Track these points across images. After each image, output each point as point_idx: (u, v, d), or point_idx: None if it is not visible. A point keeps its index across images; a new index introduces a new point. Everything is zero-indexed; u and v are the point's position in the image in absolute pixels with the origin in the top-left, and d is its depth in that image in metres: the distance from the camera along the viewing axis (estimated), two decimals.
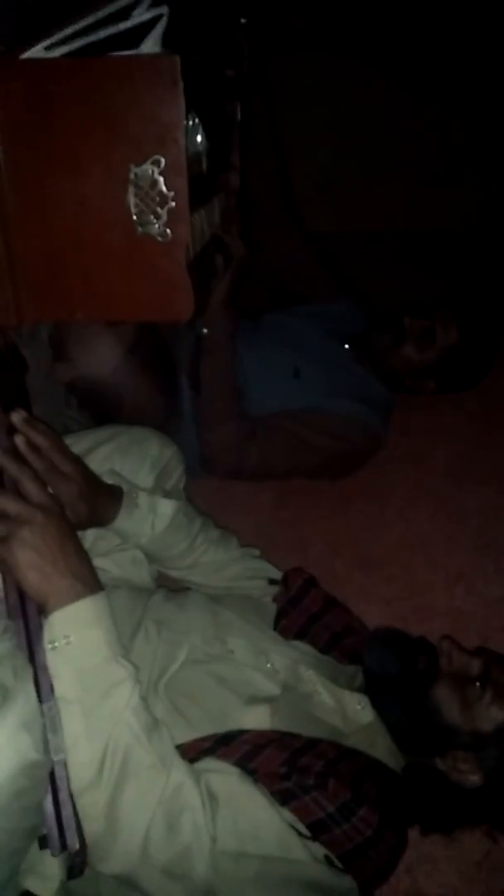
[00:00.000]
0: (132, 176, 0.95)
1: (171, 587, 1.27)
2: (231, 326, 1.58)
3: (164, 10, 0.91)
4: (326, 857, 0.87)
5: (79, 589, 0.86)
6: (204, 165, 1.10)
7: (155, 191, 0.96)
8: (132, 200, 0.97)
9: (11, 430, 0.93)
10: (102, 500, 1.05)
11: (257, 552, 1.33)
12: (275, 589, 1.25)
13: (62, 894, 0.89)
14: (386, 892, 1.17)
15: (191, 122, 0.99)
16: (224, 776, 0.88)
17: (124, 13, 0.92)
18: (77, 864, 0.86)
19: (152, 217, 0.98)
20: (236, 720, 0.97)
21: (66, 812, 0.82)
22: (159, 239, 0.99)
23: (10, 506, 0.86)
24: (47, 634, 0.84)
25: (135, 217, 0.98)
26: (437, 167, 2.89)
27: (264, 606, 1.22)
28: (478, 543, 1.80)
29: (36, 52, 0.91)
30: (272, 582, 1.27)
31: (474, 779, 1.04)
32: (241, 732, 0.95)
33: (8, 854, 0.81)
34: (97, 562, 1.11)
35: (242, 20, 1.35)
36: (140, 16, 0.92)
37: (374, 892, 0.96)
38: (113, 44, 0.92)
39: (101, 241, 1.00)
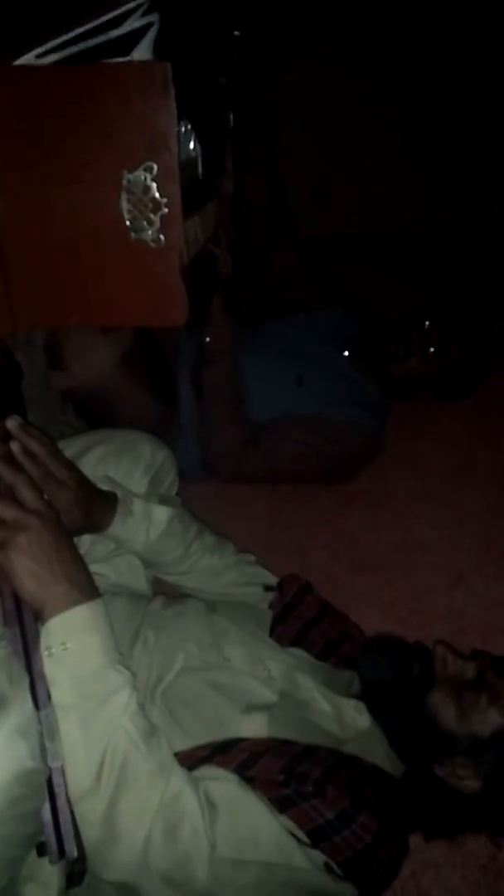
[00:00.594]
0: (125, 182, 0.96)
1: (169, 594, 1.27)
2: (232, 334, 1.60)
3: (154, 17, 0.92)
4: (326, 864, 0.87)
5: (75, 595, 0.85)
6: (198, 171, 1.11)
7: (148, 197, 0.97)
8: (125, 206, 0.97)
9: (7, 436, 0.92)
10: (97, 507, 1.05)
11: (253, 558, 1.33)
12: (271, 595, 1.25)
13: None
14: None
15: (183, 129, 0.99)
16: (222, 783, 0.88)
17: (117, 22, 0.92)
18: (76, 872, 0.85)
19: (145, 223, 0.98)
20: (233, 728, 0.97)
21: (65, 819, 0.81)
22: (153, 245, 1.00)
23: (6, 512, 0.86)
24: (44, 641, 0.84)
25: (128, 223, 0.98)
26: (432, 172, 2.91)
27: (260, 613, 1.22)
28: (478, 546, 1.80)
29: (27, 59, 0.92)
30: (268, 588, 1.27)
31: (473, 784, 1.04)
32: (239, 741, 0.94)
33: (5, 862, 0.81)
34: (94, 567, 1.11)
35: (236, 33, 1.35)
36: (131, 24, 0.92)
37: None
38: (104, 51, 0.93)
39: (94, 247, 1.01)
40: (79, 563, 0.89)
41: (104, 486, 1.10)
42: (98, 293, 1.05)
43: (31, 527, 0.85)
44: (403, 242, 2.87)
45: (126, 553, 1.19)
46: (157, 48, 0.93)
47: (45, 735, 0.81)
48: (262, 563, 1.33)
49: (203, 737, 0.95)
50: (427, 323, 1.87)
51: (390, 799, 0.98)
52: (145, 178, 0.96)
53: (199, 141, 1.07)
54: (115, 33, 0.91)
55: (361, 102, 2.77)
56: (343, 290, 2.11)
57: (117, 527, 1.08)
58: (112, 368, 1.48)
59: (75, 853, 0.81)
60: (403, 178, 2.89)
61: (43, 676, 0.84)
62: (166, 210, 0.97)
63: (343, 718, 1.06)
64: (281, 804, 0.87)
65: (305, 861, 0.85)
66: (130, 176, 0.96)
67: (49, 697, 0.83)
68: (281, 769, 0.91)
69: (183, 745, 0.92)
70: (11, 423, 0.93)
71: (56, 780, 0.81)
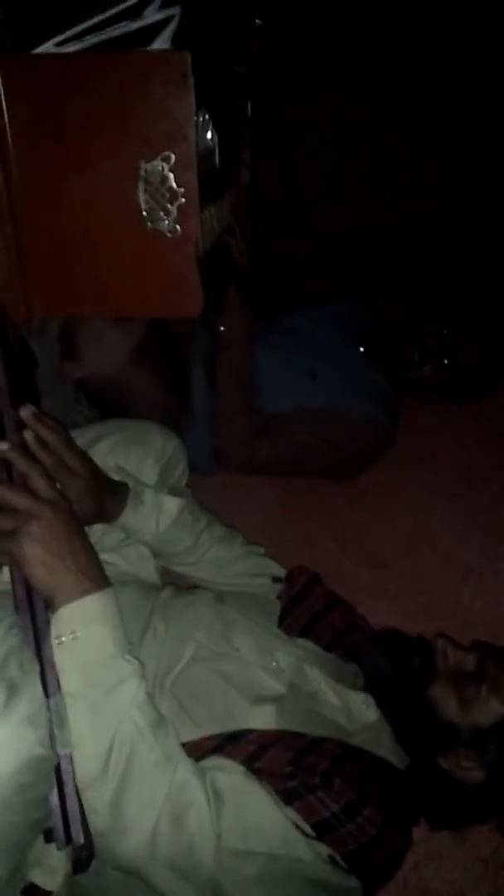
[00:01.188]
0: (142, 172, 0.96)
1: (178, 584, 1.27)
2: (248, 323, 1.59)
3: (176, 10, 0.91)
4: (330, 856, 0.87)
5: (86, 585, 0.86)
6: (215, 161, 1.10)
7: (165, 187, 0.96)
8: (142, 196, 0.97)
9: (20, 425, 0.93)
10: (109, 497, 1.05)
11: (262, 550, 1.33)
12: (279, 586, 1.25)
13: (68, 887, 0.90)
14: (393, 890, 1.17)
15: (201, 119, 0.99)
16: (229, 774, 0.88)
17: (136, 10, 0.92)
18: (83, 859, 0.86)
19: (162, 213, 0.98)
20: (242, 719, 0.97)
21: (72, 806, 0.82)
22: (169, 235, 0.99)
23: (19, 501, 0.86)
24: (54, 629, 0.85)
25: (144, 213, 0.98)
26: (450, 164, 2.88)
27: (269, 604, 1.22)
28: (487, 541, 1.80)
29: (47, 48, 0.91)
30: (276, 580, 1.27)
31: (477, 775, 1.04)
32: (248, 732, 0.95)
33: (13, 846, 0.82)
34: (105, 556, 1.12)
35: (257, 21, 1.34)
36: (152, 15, 0.92)
37: (380, 890, 0.96)
38: (124, 43, 0.93)
39: (110, 236, 1.01)
40: (90, 552, 0.89)
41: (115, 476, 1.10)
42: (113, 283, 1.05)
43: (43, 516, 0.85)
44: (419, 235, 2.85)
45: (136, 543, 1.19)
46: (176, 38, 0.93)
47: (54, 723, 0.81)
48: (268, 555, 1.34)
49: (212, 727, 0.95)
50: (445, 331, 1.86)
51: (396, 792, 0.98)
52: (163, 168, 0.95)
53: (216, 131, 1.06)
54: (135, 25, 0.91)
55: (379, 93, 2.74)
56: (357, 281, 2.10)
57: (128, 517, 1.09)
58: (125, 359, 1.48)
59: (82, 840, 0.82)
60: (421, 169, 2.87)
61: (53, 664, 0.84)
62: (183, 200, 0.97)
63: (350, 711, 1.06)
64: (287, 796, 0.88)
65: (310, 853, 0.86)
66: (148, 166, 0.95)
67: (58, 686, 0.84)
68: (289, 761, 0.91)
69: (191, 735, 0.93)
70: (25, 412, 0.93)
71: (64, 767, 0.82)
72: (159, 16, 0.91)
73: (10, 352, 0.96)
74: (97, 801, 0.82)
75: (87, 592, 0.85)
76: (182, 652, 1.04)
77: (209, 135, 1.05)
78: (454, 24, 2.67)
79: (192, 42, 0.92)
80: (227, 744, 0.92)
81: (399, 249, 2.76)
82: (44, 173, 0.98)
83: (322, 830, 0.87)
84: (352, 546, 1.78)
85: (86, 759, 0.82)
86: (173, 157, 0.95)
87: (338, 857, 0.87)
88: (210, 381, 1.67)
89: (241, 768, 0.89)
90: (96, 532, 1.14)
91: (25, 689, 0.79)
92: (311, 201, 2.15)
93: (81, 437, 1.16)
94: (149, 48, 0.91)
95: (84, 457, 1.01)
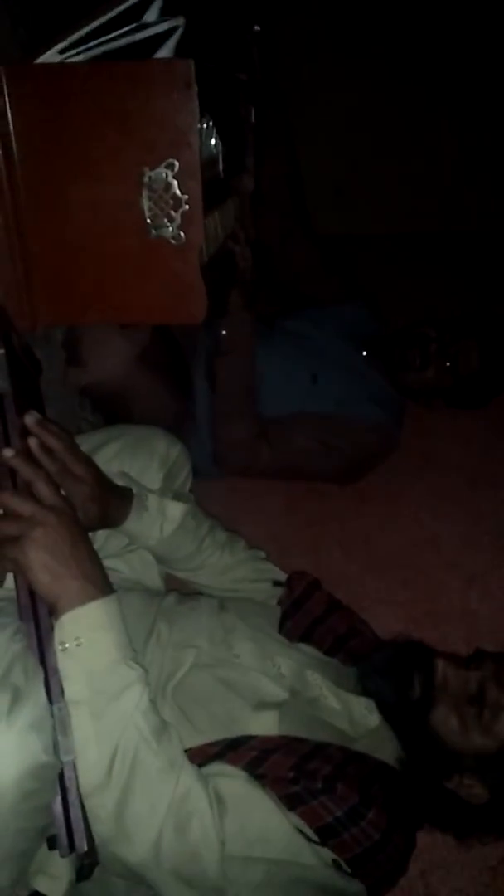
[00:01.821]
0: (146, 179, 0.96)
1: (182, 591, 1.27)
2: (250, 329, 1.60)
3: (180, 21, 0.92)
4: (334, 861, 0.87)
5: (90, 591, 0.86)
6: (219, 168, 1.10)
7: (169, 194, 0.96)
8: (146, 204, 0.97)
9: (25, 432, 0.93)
10: (113, 503, 1.06)
11: (263, 554, 1.33)
12: (279, 591, 1.25)
13: (71, 895, 0.90)
14: None
15: (205, 126, 0.99)
16: (232, 780, 0.88)
17: (136, 13, 0.92)
18: (86, 867, 0.86)
19: (166, 220, 0.98)
20: (244, 726, 0.97)
21: (75, 813, 0.82)
22: (173, 242, 1.00)
23: (24, 507, 0.86)
24: (58, 636, 0.85)
25: (148, 220, 0.98)
26: (455, 170, 2.88)
27: (269, 609, 1.22)
28: (493, 545, 1.79)
29: (51, 55, 0.92)
30: (277, 584, 1.27)
31: (482, 795, 1.04)
32: (250, 738, 0.95)
33: (17, 854, 0.82)
34: (109, 562, 1.11)
35: (256, 28, 1.35)
36: (155, 24, 0.92)
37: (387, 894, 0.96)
38: (128, 53, 0.93)
39: (114, 244, 1.01)
40: (94, 558, 0.89)
41: (119, 482, 1.10)
42: (117, 290, 1.05)
43: (48, 522, 0.85)
44: (424, 240, 2.85)
45: (140, 548, 1.20)
46: (179, 46, 0.93)
47: (57, 730, 0.81)
48: (273, 561, 1.34)
49: (214, 734, 0.95)
50: (448, 336, 1.86)
51: (399, 796, 0.98)
52: (166, 175, 0.96)
53: (220, 138, 1.07)
54: (139, 36, 0.91)
55: (383, 98, 2.75)
56: (361, 286, 2.10)
57: (132, 522, 1.09)
58: (129, 365, 1.49)
59: (85, 847, 0.82)
60: (425, 174, 2.87)
61: (56, 671, 0.84)
62: (187, 207, 0.97)
63: (352, 716, 1.06)
64: (290, 801, 0.88)
65: (314, 858, 0.86)
66: (152, 173, 0.96)
67: (62, 692, 0.84)
68: (291, 766, 0.91)
69: (194, 741, 0.93)
70: (30, 419, 0.94)
71: (68, 774, 0.82)
72: (164, 26, 0.91)
73: (15, 359, 0.97)
74: (100, 809, 0.82)
75: (91, 599, 0.85)
76: (184, 658, 1.04)
77: (213, 142, 1.05)
78: (459, 29, 2.67)
79: (195, 50, 0.93)
80: (228, 750, 0.92)
81: (403, 255, 2.76)
82: (48, 181, 0.98)
83: (325, 835, 0.87)
84: (357, 552, 1.77)
85: (89, 766, 0.82)
86: (177, 164, 0.95)
87: (342, 862, 0.87)
88: (211, 385, 1.67)
89: (243, 774, 0.89)
90: (100, 538, 1.15)
91: (30, 695, 0.79)
92: (316, 206, 2.15)
93: (86, 443, 1.17)
94: (152, 57, 0.92)
95: (88, 463, 1.02)
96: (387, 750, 1.05)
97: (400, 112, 2.79)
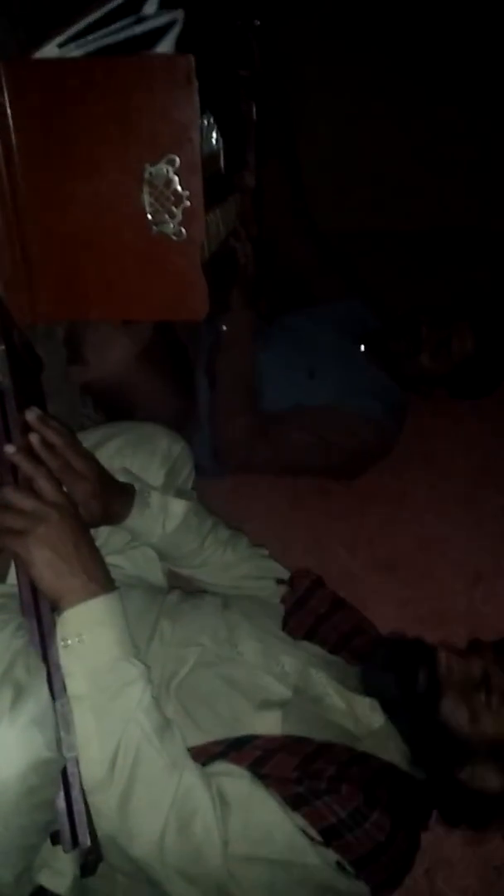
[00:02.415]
0: (147, 175, 0.96)
1: (185, 588, 1.27)
2: (250, 325, 1.60)
3: (179, 14, 0.92)
4: (338, 862, 0.86)
5: (92, 588, 0.86)
6: (220, 164, 1.10)
7: (170, 190, 0.96)
8: (147, 199, 0.97)
9: (26, 428, 0.93)
10: (115, 499, 1.05)
11: (266, 552, 1.33)
12: (283, 589, 1.25)
13: (76, 890, 0.89)
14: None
15: (206, 122, 0.99)
16: (236, 780, 0.88)
17: (134, 5, 0.92)
18: (90, 862, 0.86)
19: (167, 216, 0.98)
20: (247, 725, 0.96)
21: (78, 809, 0.82)
22: (174, 238, 0.99)
23: (25, 503, 0.86)
24: (60, 632, 0.84)
25: (150, 216, 0.98)
26: (457, 167, 2.87)
27: (273, 607, 1.21)
28: (498, 546, 1.78)
29: (49, 49, 0.92)
30: (280, 582, 1.27)
31: (495, 784, 1.03)
32: (253, 737, 0.94)
33: (20, 850, 0.82)
34: (111, 559, 1.11)
35: (256, 22, 1.35)
36: (155, 18, 0.92)
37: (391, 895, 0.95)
38: (128, 47, 0.93)
39: (116, 240, 1.01)
40: (96, 555, 0.89)
41: (121, 478, 1.10)
42: (119, 287, 1.05)
43: (50, 518, 0.85)
44: (426, 238, 2.84)
45: (142, 545, 1.19)
46: (180, 41, 0.93)
47: (60, 725, 0.81)
48: (276, 559, 1.33)
49: (217, 732, 0.95)
50: (438, 320, 1.86)
51: (404, 797, 0.97)
52: (167, 171, 0.95)
53: (221, 134, 1.06)
54: (138, 29, 0.91)
55: (384, 94, 2.75)
56: (361, 283, 2.10)
57: (134, 519, 1.08)
58: (130, 363, 1.48)
59: (88, 843, 0.82)
60: (427, 171, 2.86)
61: (59, 667, 0.84)
62: (188, 203, 0.97)
63: (357, 715, 1.05)
64: (294, 802, 0.87)
65: (318, 859, 0.85)
66: (153, 169, 0.95)
67: (64, 688, 0.83)
68: (295, 766, 0.90)
69: (196, 740, 0.92)
70: (31, 415, 0.93)
71: (70, 769, 0.82)
72: (163, 20, 0.91)
73: (16, 355, 0.97)
74: (103, 805, 0.82)
75: (93, 595, 0.85)
76: (187, 656, 1.04)
77: (214, 138, 1.05)
78: (461, 26, 2.67)
79: (196, 45, 0.93)
80: (232, 749, 0.92)
81: (403, 252, 2.76)
82: (49, 178, 0.98)
83: (329, 836, 0.86)
84: (361, 550, 1.77)
85: (92, 763, 0.82)
86: (178, 160, 0.95)
87: (345, 863, 0.86)
88: (210, 381, 1.67)
89: (247, 774, 0.88)
90: (102, 534, 1.14)
91: (32, 691, 0.79)
92: (317, 203, 2.15)
93: (87, 440, 1.16)
94: (152, 52, 0.91)
95: (90, 459, 1.01)
96: (392, 749, 1.04)
97: (401, 109, 2.79)
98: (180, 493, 1.18)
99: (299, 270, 2.02)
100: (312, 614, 1.19)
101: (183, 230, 0.99)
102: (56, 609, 0.85)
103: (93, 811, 0.83)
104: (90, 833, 0.82)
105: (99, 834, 0.83)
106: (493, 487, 1.95)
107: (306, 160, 2.10)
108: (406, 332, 1.87)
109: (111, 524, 1.08)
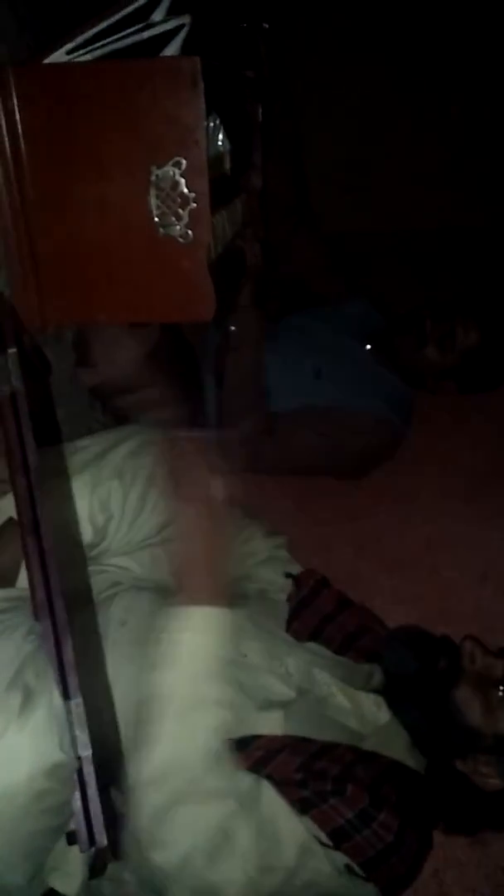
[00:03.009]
0: (153, 177, 0.96)
1: None
2: (258, 325, 1.60)
3: (186, 19, 0.92)
4: (347, 866, 0.86)
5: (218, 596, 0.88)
6: (227, 166, 1.11)
7: (176, 192, 0.97)
8: (154, 202, 0.97)
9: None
10: None
11: (282, 541, 1.34)
12: (289, 584, 1.25)
13: (85, 892, 0.89)
14: None
15: (212, 124, 0.99)
16: (250, 787, 0.87)
17: (143, 14, 0.92)
18: (99, 864, 0.86)
19: (174, 218, 0.98)
20: (250, 725, 0.96)
21: (95, 808, 0.81)
22: (181, 240, 1.00)
23: None
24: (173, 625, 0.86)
25: (156, 218, 0.98)
26: (463, 168, 2.88)
27: (277, 607, 1.21)
28: None
29: (58, 56, 0.92)
30: (289, 576, 1.27)
31: (495, 783, 1.03)
32: (256, 738, 0.94)
33: (32, 853, 0.82)
34: (118, 561, 1.12)
35: (265, 25, 1.35)
36: (162, 23, 0.93)
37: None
38: (135, 52, 0.93)
39: (123, 242, 1.01)
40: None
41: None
42: (126, 289, 1.05)
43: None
44: (430, 238, 2.84)
45: (150, 546, 1.19)
46: (186, 44, 0.93)
47: (75, 725, 0.81)
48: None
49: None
50: (442, 313, 1.86)
51: (412, 795, 0.97)
52: (174, 174, 0.96)
53: (227, 136, 1.07)
54: (146, 34, 0.92)
55: (389, 96, 2.75)
56: (366, 283, 2.10)
57: None
58: (138, 365, 1.49)
59: (105, 842, 0.81)
60: (432, 172, 2.87)
61: (73, 666, 0.84)
62: (195, 205, 0.98)
63: (362, 713, 1.05)
64: (302, 806, 0.87)
65: (327, 865, 0.85)
66: (159, 171, 0.96)
67: (79, 688, 0.83)
68: (298, 767, 0.90)
69: None
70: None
71: (86, 769, 0.82)
72: (170, 25, 0.92)
73: (26, 359, 0.97)
74: (146, 804, 0.81)
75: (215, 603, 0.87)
76: None
77: (220, 140, 1.06)
78: (464, 27, 2.67)
79: (202, 48, 0.93)
80: (236, 751, 0.92)
81: (408, 252, 2.76)
82: (56, 181, 0.98)
83: (338, 839, 0.86)
84: (368, 550, 1.77)
85: (152, 759, 0.82)
86: (184, 162, 0.95)
87: (355, 866, 0.86)
88: (217, 381, 1.68)
89: (253, 777, 0.88)
90: (109, 537, 1.14)
91: (42, 694, 0.79)
92: (322, 204, 2.15)
93: (97, 444, 1.17)
94: (159, 56, 0.92)
95: None
96: (398, 747, 1.05)
97: (405, 110, 2.79)
98: None
99: (303, 271, 2.03)
100: (318, 615, 1.19)
101: (189, 232, 0.99)
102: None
103: (132, 804, 0.82)
104: (107, 832, 0.82)
105: (127, 829, 0.82)
106: (500, 484, 1.94)
107: (311, 161, 2.10)
108: (410, 326, 1.87)
109: None
